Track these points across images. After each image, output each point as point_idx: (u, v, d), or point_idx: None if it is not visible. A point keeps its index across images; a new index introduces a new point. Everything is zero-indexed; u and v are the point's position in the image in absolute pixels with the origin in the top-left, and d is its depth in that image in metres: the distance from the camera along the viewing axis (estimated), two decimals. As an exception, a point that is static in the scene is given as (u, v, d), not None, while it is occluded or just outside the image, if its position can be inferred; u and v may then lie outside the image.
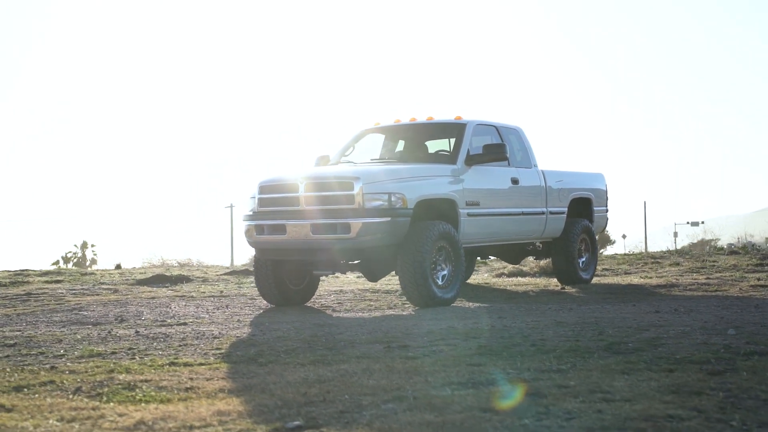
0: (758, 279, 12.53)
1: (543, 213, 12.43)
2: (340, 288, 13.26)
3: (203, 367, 5.62)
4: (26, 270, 19.15)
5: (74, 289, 13.64)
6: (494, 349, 6.10)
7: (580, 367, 5.10)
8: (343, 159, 12.11)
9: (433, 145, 12.59)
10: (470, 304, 10.54)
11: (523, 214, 12.04)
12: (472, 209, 10.89)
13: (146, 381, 5.00)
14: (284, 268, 10.93)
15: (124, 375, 5.26)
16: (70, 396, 4.62)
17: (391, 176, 10.07)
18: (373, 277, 10.95)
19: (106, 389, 4.75)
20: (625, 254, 23.03)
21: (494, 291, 12.48)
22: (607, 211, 14.19)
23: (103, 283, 15.07)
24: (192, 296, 12.47)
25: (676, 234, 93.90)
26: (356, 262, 10.58)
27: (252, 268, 19.94)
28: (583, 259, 13.40)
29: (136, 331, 8.13)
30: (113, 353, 6.55)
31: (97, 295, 12.91)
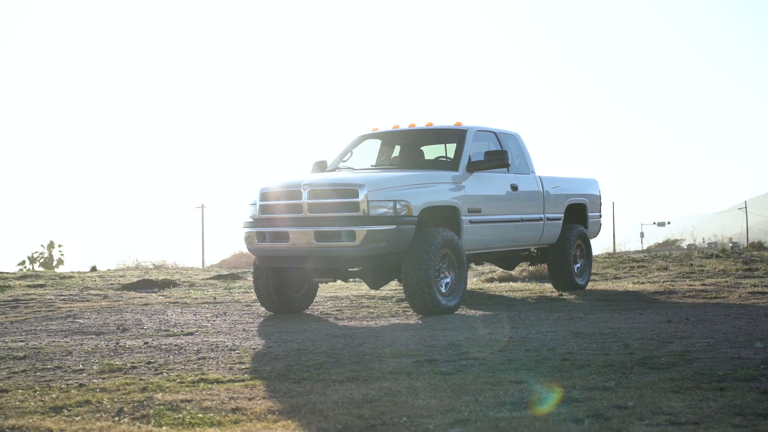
0: (754, 285, 12.57)
1: (541, 219, 12.40)
2: (335, 294, 13.14)
3: (237, 384, 5.49)
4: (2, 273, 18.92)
5: (62, 295, 13.42)
6: (525, 363, 6.03)
7: (626, 384, 5.03)
8: (342, 165, 12.00)
9: (432, 151, 12.52)
10: (473, 311, 10.47)
11: (522, 220, 12.00)
12: (474, 216, 10.83)
13: (187, 401, 4.86)
14: (283, 275, 10.80)
15: (161, 394, 5.11)
16: (116, 419, 4.48)
17: (396, 183, 9.98)
18: (374, 285, 10.85)
19: (150, 411, 4.61)
20: (607, 256, 23.08)
21: (492, 297, 12.43)
22: (600, 216, 14.21)
23: (89, 288, 14.86)
24: (186, 303, 12.32)
25: (642, 234, 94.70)
26: (357, 269, 10.49)
27: (238, 272, 19.87)
28: (578, 265, 13.39)
29: (145, 342, 7.98)
30: (133, 368, 6.41)
31: (88, 301, 12.71)
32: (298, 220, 9.98)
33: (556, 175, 13.15)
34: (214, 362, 6.61)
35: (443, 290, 10.13)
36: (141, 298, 13.27)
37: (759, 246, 31.83)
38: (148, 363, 6.62)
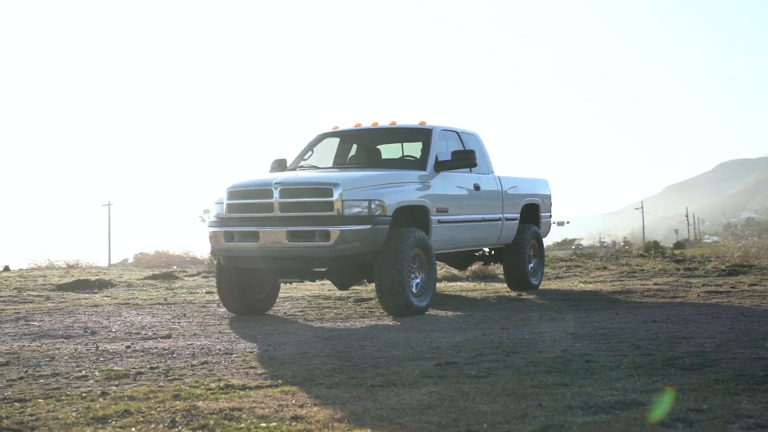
0: (705, 285, 12.83)
1: (500, 219, 12.41)
2: (289, 295, 12.92)
3: (273, 390, 5.24)
4: None
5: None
6: (551, 366, 5.94)
7: (677, 386, 4.98)
8: (303, 163, 11.77)
9: (388, 150, 12.41)
10: (443, 312, 10.38)
11: (484, 220, 11.99)
12: (442, 216, 10.76)
13: (237, 409, 4.61)
14: (247, 275, 10.53)
15: (201, 403, 4.85)
16: (177, 429, 4.22)
17: (370, 182, 9.83)
18: (342, 286, 10.68)
19: (210, 421, 4.35)
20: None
21: (450, 298, 12.36)
22: (550, 216, 14.31)
23: (23, 290, 14.26)
24: (137, 304, 11.94)
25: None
26: (325, 269, 10.30)
27: (171, 272, 19.39)
28: (532, 265, 13.44)
29: (127, 346, 7.64)
30: (139, 374, 6.10)
31: (31, 302, 12.20)
32: (269, 219, 9.73)
33: (512, 175, 13.19)
34: (221, 367, 6.35)
35: (414, 290, 10.02)
36: (86, 299, 12.81)
37: (655, 245, 32.78)
38: (152, 368, 6.32)
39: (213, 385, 5.50)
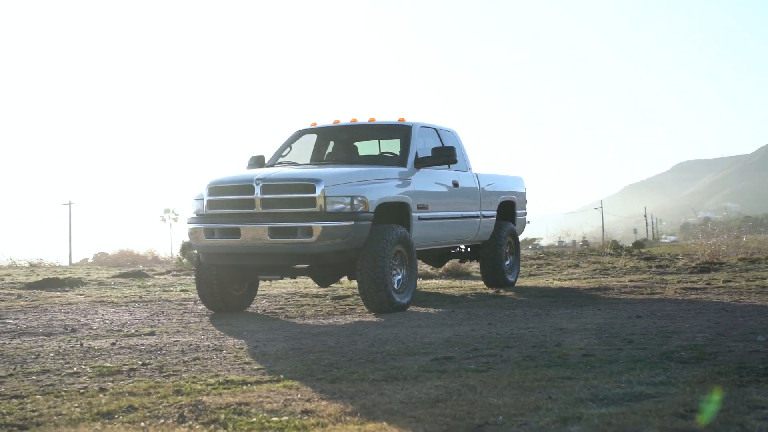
0: (679, 282, 12.94)
1: (478, 216, 12.41)
2: (265, 293, 12.82)
3: (276, 385, 5.16)
4: None
5: (-31, 295, 12.63)
6: (548, 360, 5.92)
7: (680, 379, 4.96)
8: (282, 160, 11.69)
9: (365, 147, 12.38)
10: (424, 309, 10.35)
11: (462, 217, 11.98)
12: (422, 213, 10.74)
13: (244, 404, 4.54)
14: (226, 272, 10.43)
15: (206, 398, 4.75)
16: (186, 425, 4.14)
17: (352, 178, 9.78)
18: (323, 283, 10.62)
19: (221, 416, 4.26)
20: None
21: (429, 295, 12.34)
22: (526, 214, 14.34)
23: (-9, 288, 14.04)
24: (113, 302, 11.80)
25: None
26: (305, 266, 10.24)
27: (137, 270, 19.20)
28: (508, 262, 13.45)
29: (112, 343, 7.53)
30: (132, 370, 5.99)
31: (3, 300, 12.00)
32: (251, 215, 9.64)
33: (489, 172, 13.20)
34: (215, 363, 6.26)
35: (396, 287, 9.99)
36: (58, 297, 12.63)
37: (615, 245, 33.18)
38: (144, 365, 6.22)
39: (212, 380, 5.41)
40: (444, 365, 5.83)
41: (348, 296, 12.00)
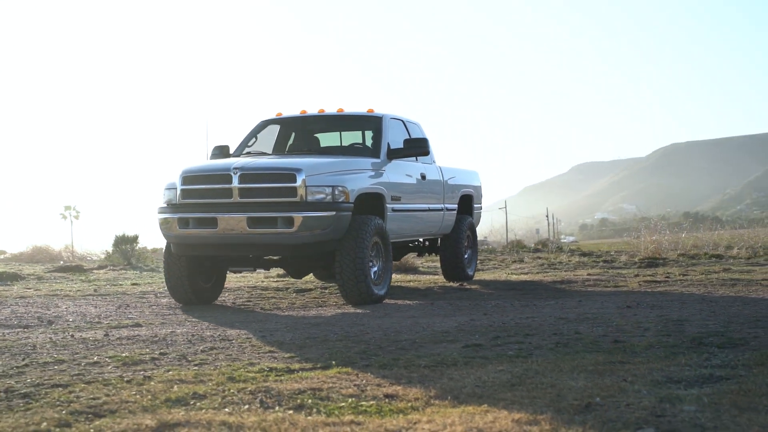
0: (636, 275, 13.14)
1: (442, 209, 12.37)
2: (225, 286, 12.53)
3: (328, 371, 4.95)
4: None
5: None
6: (583, 346, 5.88)
7: (732, 364, 4.97)
8: (248, 150, 11.43)
9: (326, 139, 12.24)
10: (400, 301, 10.23)
11: (429, 210, 11.93)
12: (395, 204, 10.64)
13: (316, 389, 4.36)
14: (196, 264, 10.16)
15: (273, 384, 4.56)
16: (273, 410, 3.95)
17: (332, 168, 9.62)
18: (297, 274, 10.44)
19: (307, 400, 4.08)
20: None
21: (395, 289, 12.18)
22: (481, 208, 14.38)
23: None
24: (68, 295, 11.39)
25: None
26: (278, 258, 10.06)
27: (72, 264, 18.57)
28: (467, 256, 13.46)
29: (105, 335, 7.22)
30: (154, 359, 5.72)
31: (-55, 294, 11.47)
32: (227, 205, 9.39)
33: (449, 165, 13.18)
34: (236, 352, 6.01)
35: (373, 279, 9.87)
36: (5, 290, 12.11)
37: (519, 244, 33.73)
38: (162, 354, 5.95)
39: (255, 368, 5.20)
40: (480, 352, 5.74)
41: (310, 289, 11.83)
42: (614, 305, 8.85)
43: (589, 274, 13.56)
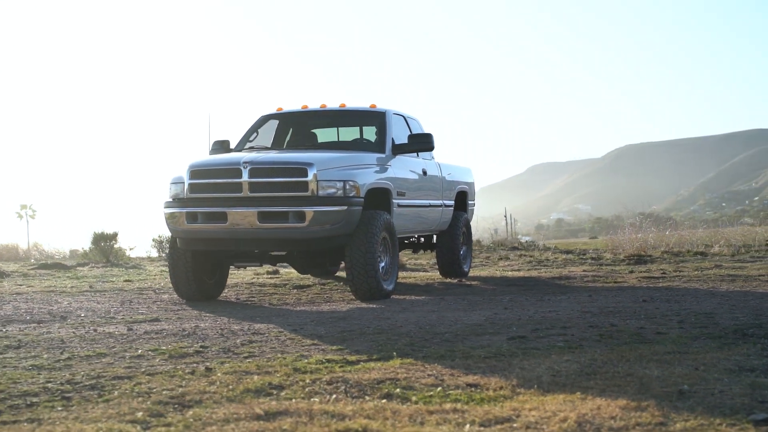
0: (630, 272, 13.22)
1: (441, 205, 12.35)
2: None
3: (390, 362, 4.88)
4: None
5: None
6: (628, 338, 5.89)
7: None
8: (250, 144, 11.32)
9: (324, 134, 12.18)
10: (407, 297, 10.17)
11: (430, 206, 11.90)
12: (401, 200, 10.60)
13: (394, 380, 4.30)
14: (201, 259, 10.04)
15: (348, 375, 4.49)
16: (363, 399, 3.90)
17: (342, 163, 9.56)
18: (304, 270, 10.37)
19: (395, 389, 4.03)
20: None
21: (396, 284, 12.15)
22: (474, 204, 14.39)
23: None
24: (66, 292, 11.25)
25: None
26: (284, 253, 9.98)
27: (54, 262, 18.30)
28: (462, 252, 13.45)
29: (129, 329, 7.11)
30: (197, 353, 5.63)
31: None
32: (237, 199, 9.29)
33: (446, 162, 13.17)
34: (279, 344, 5.92)
35: (381, 274, 9.83)
36: (-2, 287, 11.91)
37: (499, 243, 33.91)
38: (204, 347, 5.85)
39: (312, 360, 5.12)
40: (528, 344, 5.72)
41: (309, 285, 11.75)
42: (628, 299, 8.88)
43: (584, 271, 13.60)
